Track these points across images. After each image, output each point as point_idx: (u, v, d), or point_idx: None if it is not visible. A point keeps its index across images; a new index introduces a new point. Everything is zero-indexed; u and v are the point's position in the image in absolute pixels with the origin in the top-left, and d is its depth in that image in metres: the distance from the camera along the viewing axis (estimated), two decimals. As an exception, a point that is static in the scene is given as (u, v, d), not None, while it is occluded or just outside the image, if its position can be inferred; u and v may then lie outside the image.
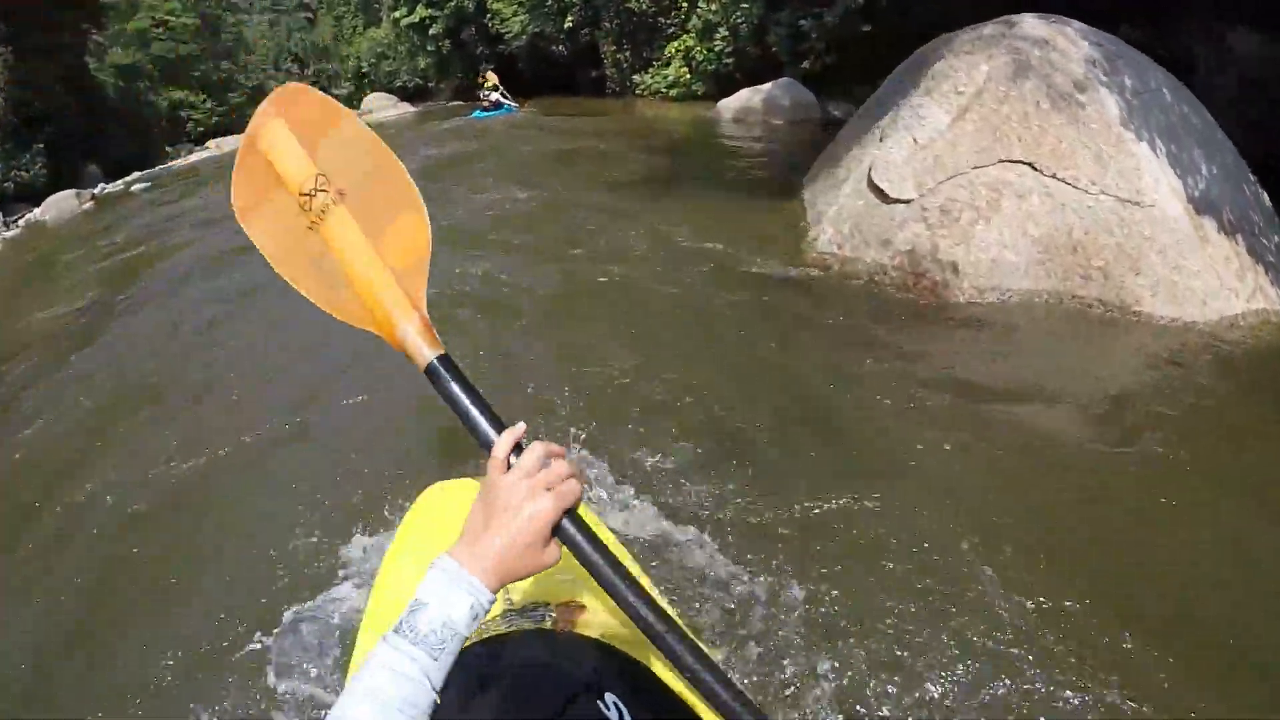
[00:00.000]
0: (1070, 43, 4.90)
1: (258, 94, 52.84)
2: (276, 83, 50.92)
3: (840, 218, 5.21)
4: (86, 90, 28.79)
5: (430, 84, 32.36)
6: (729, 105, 13.27)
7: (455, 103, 26.67)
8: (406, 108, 26.43)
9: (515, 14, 22.54)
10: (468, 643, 0.68)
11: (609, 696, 0.77)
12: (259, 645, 2.25)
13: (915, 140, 4.84)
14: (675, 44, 17.36)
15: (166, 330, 6.09)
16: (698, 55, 16.75)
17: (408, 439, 3.49)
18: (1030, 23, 5.08)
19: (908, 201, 4.77)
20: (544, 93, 22.61)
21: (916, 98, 5.06)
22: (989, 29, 5.18)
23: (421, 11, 26.48)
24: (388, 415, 3.78)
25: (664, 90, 18.50)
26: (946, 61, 5.11)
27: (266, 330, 5.63)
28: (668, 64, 18.92)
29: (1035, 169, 4.48)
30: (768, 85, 12.96)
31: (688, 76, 17.46)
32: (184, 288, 7.20)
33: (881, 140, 5.14)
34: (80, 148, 26.42)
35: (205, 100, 47.17)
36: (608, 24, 19.80)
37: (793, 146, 10.32)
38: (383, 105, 27.67)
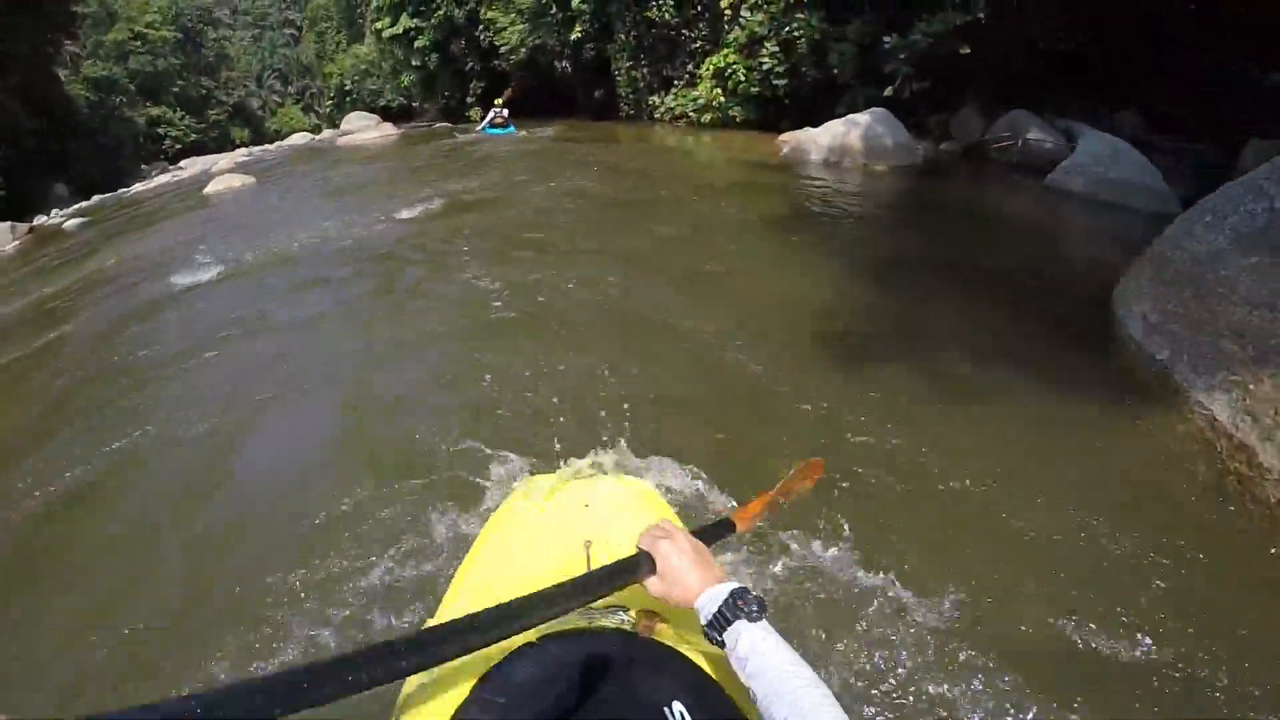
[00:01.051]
0: None
1: (238, 111, 49.39)
2: (258, 99, 48.13)
3: None
4: (55, 105, 26.03)
5: (415, 103, 28.67)
6: (815, 142, 9.70)
7: (442, 124, 22.97)
8: (389, 128, 22.67)
9: (513, 24, 18.94)
10: (550, 630, 0.89)
11: (676, 705, 0.77)
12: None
13: None
14: (713, 60, 13.82)
15: None
16: (738, 74, 13.25)
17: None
18: None
19: None
20: (542, 114, 19.02)
21: None
22: None
23: (406, 22, 22.73)
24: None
25: (690, 115, 15.00)
26: None
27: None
28: (693, 83, 15.46)
29: None
30: (864, 117, 9.50)
31: (722, 100, 13.95)
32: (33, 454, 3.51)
33: None
34: (45, 166, 23.64)
35: (184, 117, 44.06)
36: (622, 36, 16.28)
37: (961, 218, 6.76)
38: (363, 125, 23.93)
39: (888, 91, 10.58)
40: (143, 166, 34.66)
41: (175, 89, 44.07)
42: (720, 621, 0.81)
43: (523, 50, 18.91)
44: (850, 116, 9.61)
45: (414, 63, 23.65)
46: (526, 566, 1.14)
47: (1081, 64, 10.26)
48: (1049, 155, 8.26)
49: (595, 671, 0.83)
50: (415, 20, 22.64)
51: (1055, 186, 7.24)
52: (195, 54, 47.05)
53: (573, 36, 16.98)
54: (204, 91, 46.78)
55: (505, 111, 17.08)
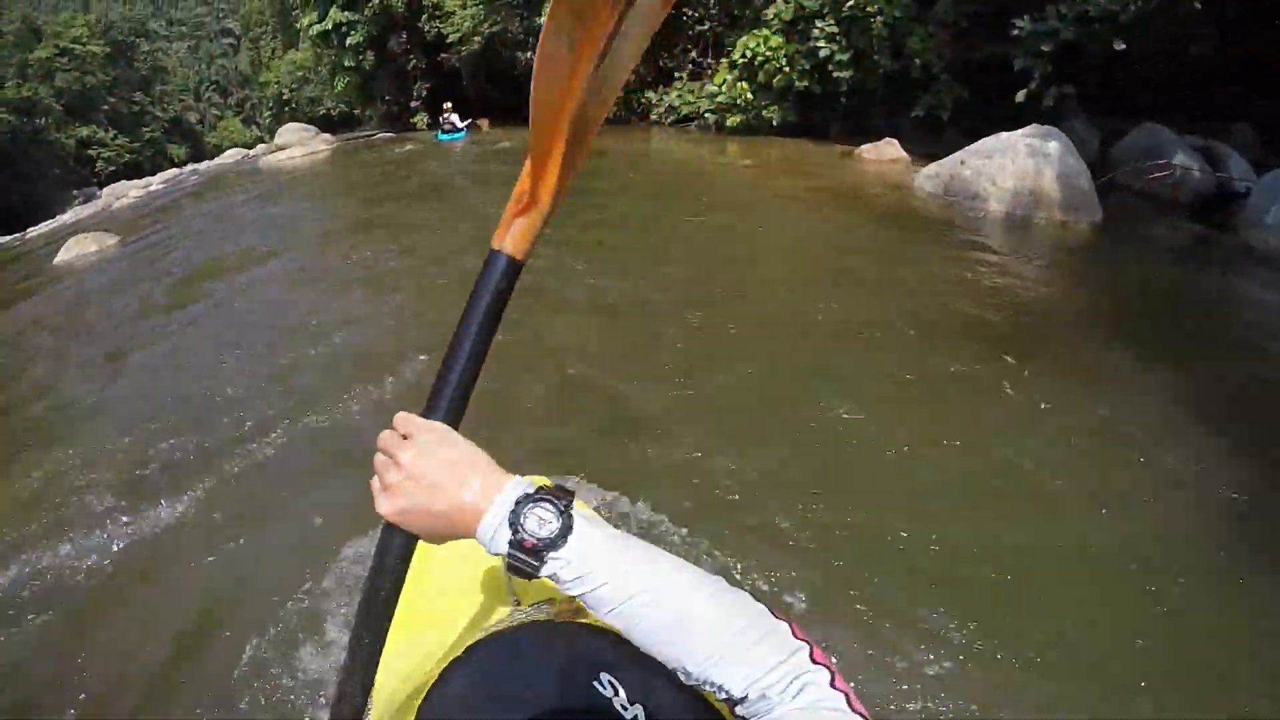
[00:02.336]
0: None
1: (175, 126, 44.13)
2: (195, 114, 43.05)
3: None
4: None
5: (357, 110, 24.10)
6: (992, 182, 5.73)
7: (383, 134, 18.52)
8: (322, 142, 18.22)
9: (464, 7, 14.62)
10: (473, 640, 0.81)
11: (604, 676, 0.71)
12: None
13: None
14: (745, 42, 9.66)
15: None
16: (776, 62, 9.24)
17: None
18: None
19: None
20: (498, 118, 15.07)
21: None
22: None
23: (336, 16, 18.16)
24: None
25: (704, 116, 10.95)
26: None
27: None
28: (699, 75, 11.44)
29: None
30: (1050, 144, 5.80)
31: (750, 97, 9.88)
32: None
33: None
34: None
35: (116, 137, 39.29)
36: (604, 15, 12.14)
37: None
38: (298, 138, 19.41)
39: (1020, 96, 6.86)
40: (73, 192, 30.66)
41: (106, 107, 39.20)
42: (521, 545, 0.52)
43: (476, 40, 14.60)
44: (1027, 140, 5.91)
45: (346, 63, 19.07)
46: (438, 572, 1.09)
47: (1209, 65, 7.57)
48: (1194, 187, 6.21)
49: (520, 671, 0.76)
50: (346, 13, 18.08)
51: (1258, 247, 5.17)
52: (127, 69, 41.95)
53: (539, 20, 12.84)
54: (137, 108, 41.77)
55: (454, 117, 14.00)
